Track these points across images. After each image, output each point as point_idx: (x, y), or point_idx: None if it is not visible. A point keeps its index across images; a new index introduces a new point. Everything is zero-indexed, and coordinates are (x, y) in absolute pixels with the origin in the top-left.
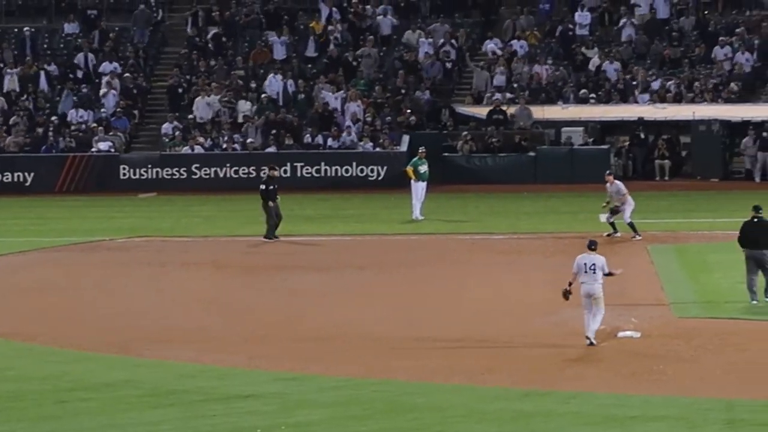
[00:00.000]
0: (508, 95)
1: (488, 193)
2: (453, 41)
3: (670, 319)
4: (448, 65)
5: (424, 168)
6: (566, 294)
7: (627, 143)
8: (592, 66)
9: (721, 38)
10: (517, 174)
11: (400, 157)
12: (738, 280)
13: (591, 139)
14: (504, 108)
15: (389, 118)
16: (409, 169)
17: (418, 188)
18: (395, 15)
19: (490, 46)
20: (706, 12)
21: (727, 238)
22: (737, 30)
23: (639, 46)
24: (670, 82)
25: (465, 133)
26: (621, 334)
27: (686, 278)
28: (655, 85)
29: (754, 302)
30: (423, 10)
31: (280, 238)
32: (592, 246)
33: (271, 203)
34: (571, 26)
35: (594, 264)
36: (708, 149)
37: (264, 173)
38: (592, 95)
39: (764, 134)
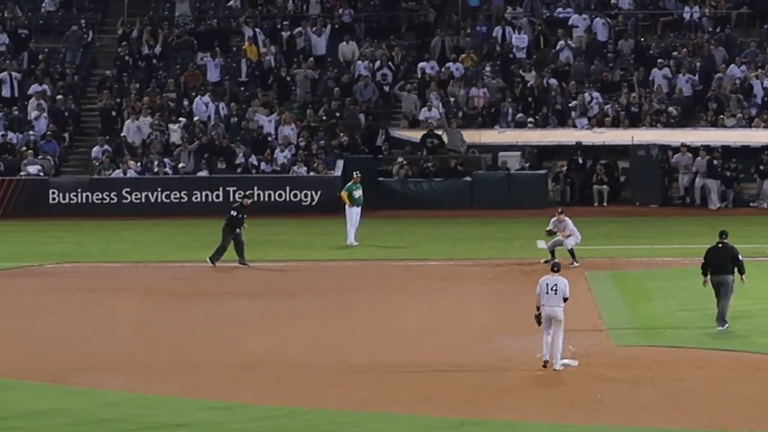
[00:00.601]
0: (438, 118)
1: (424, 219)
2: (390, 63)
3: (608, 347)
4: (386, 88)
5: (358, 193)
6: (538, 318)
7: (565, 168)
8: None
9: (659, 60)
10: (453, 199)
11: (334, 182)
12: (676, 308)
13: (528, 164)
14: (438, 132)
15: (323, 141)
16: (344, 193)
17: (353, 213)
18: (329, 38)
19: (422, 65)
20: (642, 38)
21: (666, 265)
22: (674, 53)
23: (577, 69)
24: (607, 106)
25: (400, 158)
26: (558, 364)
27: (624, 305)
28: (594, 109)
29: (720, 328)
30: (358, 32)
31: (249, 264)
32: (555, 268)
33: (238, 230)
34: (508, 48)
35: (556, 285)
36: (647, 174)
37: (239, 198)
38: (530, 120)
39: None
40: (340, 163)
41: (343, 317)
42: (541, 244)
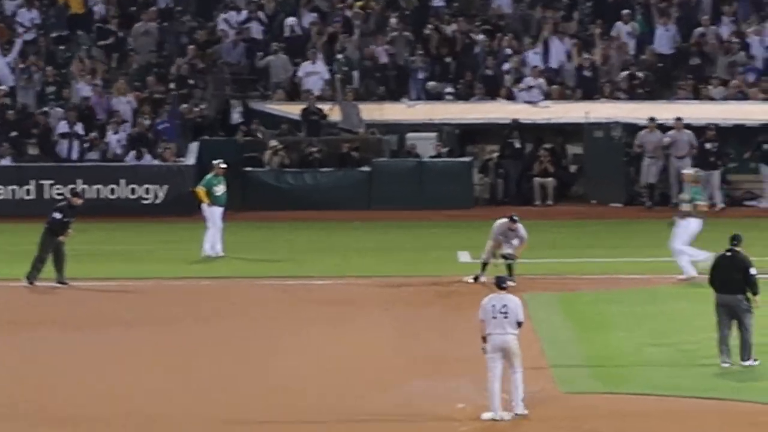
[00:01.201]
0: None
1: (306, 222)
2: (260, 14)
3: (554, 394)
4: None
5: (221, 188)
6: (486, 353)
7: (496, 155)
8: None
9: (625, 11)
10: (346, 196)
11: (187, 173)
12: (645, 341)
13: (446, 149)
14: (325, 106)
15: (171, 119)
16: (201, 189)
17: (215, 215)
18: None
19: (308, 18)
20: None
21: (631, 283)
22: (644, 1)
23: (514, 20)
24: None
25: (273, 141)
26: (485, 415)
27: (576, 338)
28: (528, 80)
29: (725, 365)
30: None
31: (69, 283)
32: (502, 284)
33: (62, 238)
34: None
35: (506, 306)
36: (606, 163)
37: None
38: (449, 89)
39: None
40: (194, 147)
41: (197, 355)
42: (464, 257)
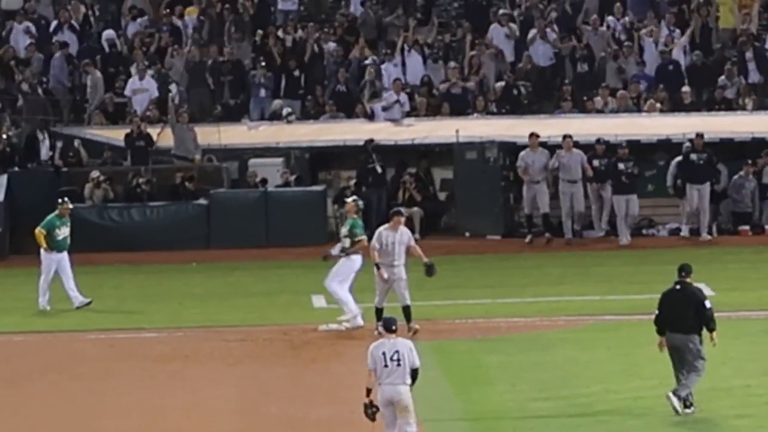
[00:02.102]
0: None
1: (136, 266)
2: (73, 23)
3: None
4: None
5: (64, 231)
6: (370, 411)
7: (353, 182)
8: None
9: (501, 11)
10: (181, 234)
11: None
12: (530, 395)
13: (295, 177)
14: (151, 129)
15: None
16: (40, 231)
17: (54, 262)
18: None
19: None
20: None
21: (511, 328)
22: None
23: (367, 26)
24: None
25: (95, 172)
26: None
27: (452, 393)
28: (388, 95)
29: (687, 411)
30: None
31: None
32: (391, 326)
33: None
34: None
35: (398, 352)
36: (481, 189)
37: None
38: (288, 110)
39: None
40: (2, 180)
41: (9, 422)
42: (319, 301)
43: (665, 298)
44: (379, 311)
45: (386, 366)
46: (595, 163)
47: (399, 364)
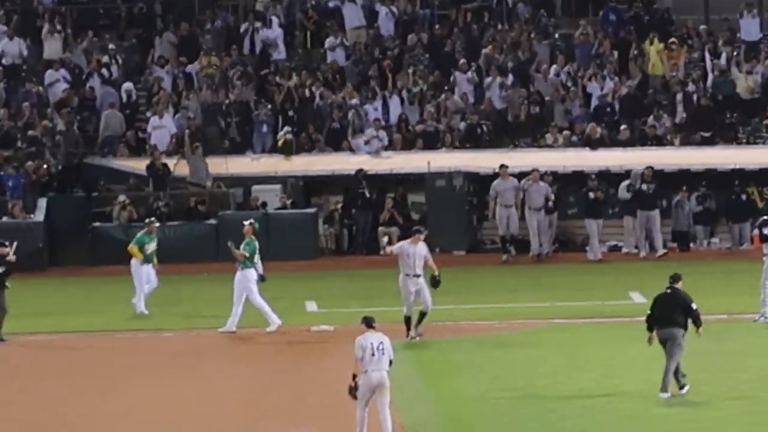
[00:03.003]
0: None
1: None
2: (106, 68)
3: None
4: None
5: (152, 245)
6: (354, 392)
7: (340, 205)
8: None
9: (462, 61)
10: (194, 249)
11: (36, 230)
12: (490, 386)
13: (291, 201)
14: (170, 161)
15: (15, 174)
16: (134, 247)
17: (143, 273)
18: (25, 39)
19: (155, 74)
20: (438, 26)
21: (474, 330)
22: (483, 51)
23: (351, 73)
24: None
25: (121, 196)
26: None
27: (424, 385)
28: (369, 132)
29: (663, 396)
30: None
31: (7, 340)
32: (371, 323)
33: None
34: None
35: (382, 344)
36: (449, 211)
37: None
38: (288, 128)
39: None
40: (42, 203)
41: (36, 413)
42: (311, 306)
43: (658, 301)
44: (407, 319)
45: (373, 355)
46: (591, 195)
47: (383, 353)
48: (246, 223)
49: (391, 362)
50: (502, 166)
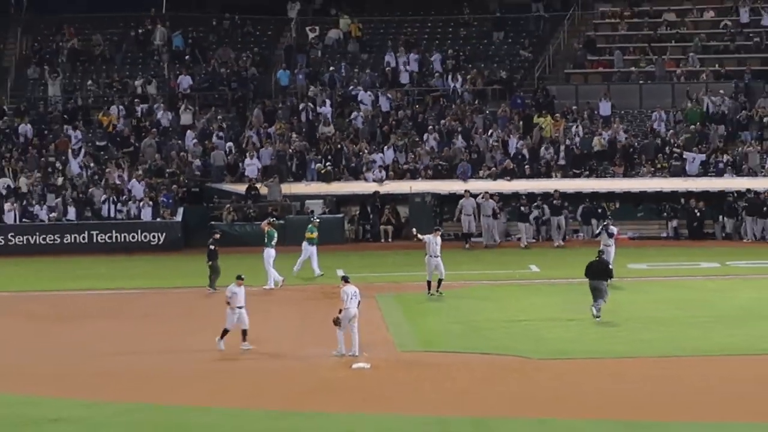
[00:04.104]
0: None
1: (246, 255)
2: (220, 132)
3: (395, 354)
4: (215, 152)
5: (315, 233)
6: (338, 321)
7: (357, 212)
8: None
9: (430, 126)
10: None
11: (176, 226)
12: (449, 321)
13: (328, 209)
14: (258, 185)
15: (167, 193)
16: (309, 233)
17: (310, 249)
18: (171, 112)
19: (249, 134)
20: (417, 108)
21: (440, 288)
22: (442, 121)
23: (364, 133)
24: (389, 162)
25: (228, 206)
26: (355, 365)
27: (408, 320)
28: (380, 157)
29: (597, 319)
30: (193, 105)
31: (217, 290)
32: (347, 280)
33: (211, 262)
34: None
35: (356, 292)
36: (422, 216)
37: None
38: (329, 164)
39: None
40: (180, 210)
41: (179, 336)
42: (340, 272)
43: (591, 264)
44: (428, 283)
45: (352, 299)
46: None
47: (356, 298)
48: (265, 222)
49: (359, 303)
50: (466, 191)
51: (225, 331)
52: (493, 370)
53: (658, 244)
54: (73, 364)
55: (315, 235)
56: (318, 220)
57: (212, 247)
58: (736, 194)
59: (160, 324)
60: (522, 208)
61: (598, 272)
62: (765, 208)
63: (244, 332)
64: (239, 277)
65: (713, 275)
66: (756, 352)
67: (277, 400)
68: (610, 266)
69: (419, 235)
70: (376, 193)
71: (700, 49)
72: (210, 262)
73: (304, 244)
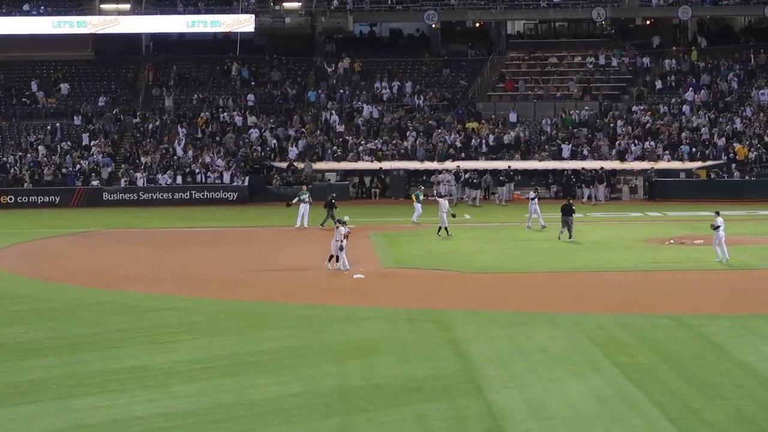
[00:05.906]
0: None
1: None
2: (269, 131)
3: (380, 269)
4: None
5: (421, 197)
6: (342, 248)
7: (357, 180)
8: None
9: (408, 130)
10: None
11: (244, 188)
12: (413, 249)
13: (338, 178)
14: (295, 164)
15: (237, 168)
16: (414, 196)
17: (418, 207)
18: (240, 116)
19: (290, 131)
20: (394, 115)
21: (412, 229)
22: (410, 126)
23: (364, 131)
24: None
25: (276, 176)
26: (355, 276)
27: (388, 248)
28: (371, 147)
29: (569, 240)
30: (258, 112)
31: (325, 227)
32: (343, 222)
33: (332, 211)
34: (332, 124)
35: (348, 231)
36: (398, 184)
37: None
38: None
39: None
40: (246, 178)
41: (259, 256)
42: (346, 218)
43: (564, 206)
44: (439, 229)
45: (344, 228)
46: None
47: (346, 226)
48: (300, 192)
49: (347, 236)
50: (444, 168)
51: (331, 256)
52: (441, 280)
53: (545, 202)
54: (179, 274)
55: (421, 197)
56: (422, 188)
57: (332, 201)
58: (591, 171)
59: (236, 249)
60: (473, 180)
61: (567, 210)
62: (605, 178)
63: (331, 257)
64: (342, 221)
65: (579, 222)
66: (604, 269)
67: (305, 297)
68: (574, 207)
69: (438, 199)
70: (380, 169)
71: (575, 80)
72: (328, 209)
73: (415, 204)
